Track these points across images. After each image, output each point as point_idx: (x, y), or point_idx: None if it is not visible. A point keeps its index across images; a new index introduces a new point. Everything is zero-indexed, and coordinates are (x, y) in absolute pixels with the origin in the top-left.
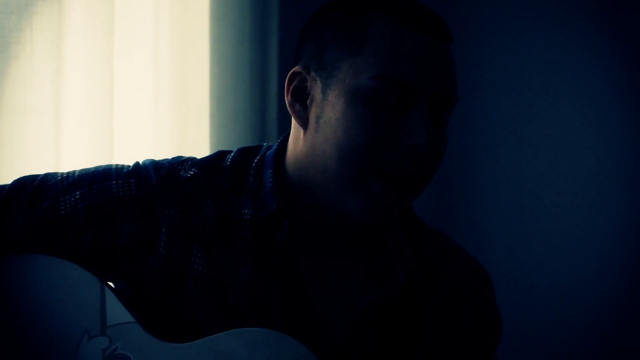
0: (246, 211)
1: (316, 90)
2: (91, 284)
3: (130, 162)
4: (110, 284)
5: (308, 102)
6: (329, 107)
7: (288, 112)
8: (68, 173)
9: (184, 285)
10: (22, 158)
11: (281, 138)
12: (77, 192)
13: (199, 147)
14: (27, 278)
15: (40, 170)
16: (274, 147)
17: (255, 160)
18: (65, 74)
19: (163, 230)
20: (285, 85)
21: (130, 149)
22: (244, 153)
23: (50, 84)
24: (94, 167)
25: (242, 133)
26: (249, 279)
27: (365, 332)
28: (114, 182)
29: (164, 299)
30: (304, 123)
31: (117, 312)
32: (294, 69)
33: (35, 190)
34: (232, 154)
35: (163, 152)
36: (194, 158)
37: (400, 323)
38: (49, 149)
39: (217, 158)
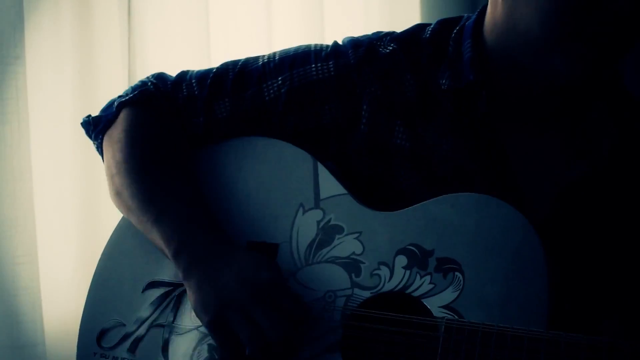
0: (444, 81)
1: None
2: (305, 160)
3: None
4: None
5: None
6: None
7: None
8: (269, 57)
9: (388, 160)
10: (235, 40)
11: (479, 9)
12: (279, 77)
13: (410, 22)
14: (246, 158)
15: (254, 52)
16: (473, 17)
17: (455, 31)
18: None
19: (364, 107)
20: None
21: (341, 26)
22: (444, 24)
23: None
24: (294, 49)
25: (452, 3)
26: (452, 150)
27: (566, 207)
28: (314, 65)
29: (371, 174)
30: None
31: (330, 185)
32: None
33: (238, 76)
34: (431, 26)
35: (373, 28)
36: (393, 33)
37: (603, 198)
38: (261, 31)
39: (416, 31)
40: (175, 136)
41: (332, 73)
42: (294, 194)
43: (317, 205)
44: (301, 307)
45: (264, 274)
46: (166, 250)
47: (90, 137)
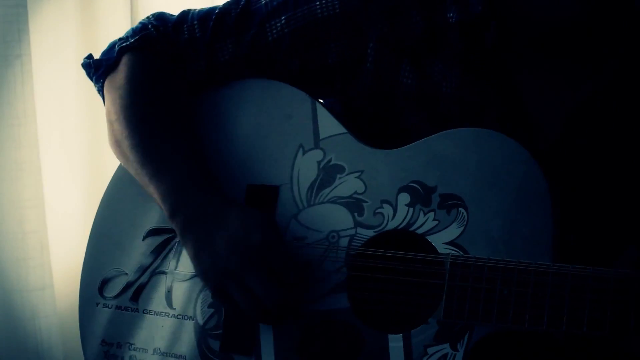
0: (451, 15)
1: None
2: (303, 100)
3: None
4: (321, 100)
5: None
6: None
7: None
8: None
9: (394, 99)
10: None
11: None
12: (282, 17)
13: None
14: (243, 101)
15: None
16: None
17: None
18: None
19: (371, 45)
20: None
21: None
22: None
23: None
24: None
25: None
26: (459, 85)
27: (576, 130)
28: (318, 2)
29: (375, 113)
30: None
31: (330, 125)
32: None
33: (240, 17)
34: None
35: None
36: None
37: (613, 118)
38: None
39: None
40: (175, 84)
41: (337, 10)
42: (293, 135)
43: (317, 146)
44: (295, 266)
45: (255, 236)
46: (163, 208)
47: (91, 79)
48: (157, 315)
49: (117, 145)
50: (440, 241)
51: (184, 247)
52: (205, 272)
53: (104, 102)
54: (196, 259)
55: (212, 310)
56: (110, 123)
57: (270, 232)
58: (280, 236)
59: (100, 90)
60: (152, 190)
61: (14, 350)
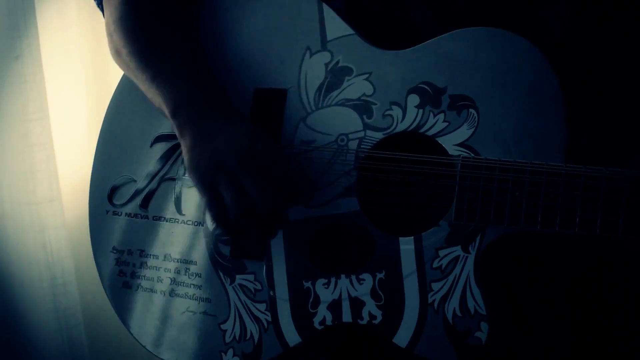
0: None
1: None
2: (309, 1)
3: None
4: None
5: None
6: None
7: None
8: None
9: None
10: None
11: None
12: None
13: None
14: (248, 3)
15: None
16: None
17: None
18: None
19: None
20: None
21: None
22: None
23: None
24: None
25: None
26: None
27: (583, 25)
28: None
29: (382, 11)
30: None
31: (337, 26)
32: None
33: None
34: None
35: None
36: None
37: (621, 14)
38: None
39: None
40: None
41: None
42: (300, 37)
43: (324, 48)
44: (292, 184)
45: (260, 144)
46: (164, 108)
47: None
48: (166, 221)
49: (117, 55)
50: (450, 143)
51: (180, 140)
52: (197, 163)
53: (103, 16)
54: (191, 151)
55: None
56: (109, 35)
57: (276, 147)
58: (285, 158)
59: (100, 5)
60: (152, 93)
61: (25, 263)
